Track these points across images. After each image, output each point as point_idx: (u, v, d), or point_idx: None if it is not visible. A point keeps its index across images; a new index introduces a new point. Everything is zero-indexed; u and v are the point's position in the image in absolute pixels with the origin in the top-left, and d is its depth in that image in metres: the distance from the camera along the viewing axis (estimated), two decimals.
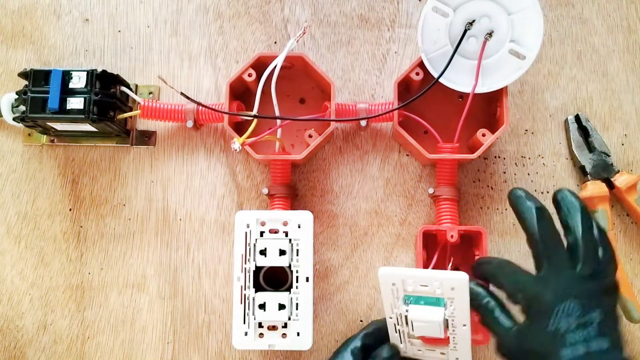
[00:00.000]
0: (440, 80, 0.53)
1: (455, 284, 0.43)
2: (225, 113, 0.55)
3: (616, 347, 0.40)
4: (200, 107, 0.57)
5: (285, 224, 0.52)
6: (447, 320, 0.45)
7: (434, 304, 0.44)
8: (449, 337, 0.46)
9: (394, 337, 0.48)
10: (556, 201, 0.46)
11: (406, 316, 0.45)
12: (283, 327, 0.52)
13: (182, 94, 0.52)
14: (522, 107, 0.61)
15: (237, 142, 0.52)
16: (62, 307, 0.59)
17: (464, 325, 0.45)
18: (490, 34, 0.52)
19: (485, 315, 0.45)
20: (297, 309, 0.51)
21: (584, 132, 0.59)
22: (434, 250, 0.56)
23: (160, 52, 0.62)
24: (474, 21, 0.52)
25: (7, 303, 0.59)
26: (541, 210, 0.45)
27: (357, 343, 0.49)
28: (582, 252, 0.43)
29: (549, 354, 0.40)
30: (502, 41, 0.53)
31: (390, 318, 0.47)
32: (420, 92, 0.52)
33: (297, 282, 0.51)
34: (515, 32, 0.52)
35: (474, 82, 0.53)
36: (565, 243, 0.44)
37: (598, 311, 0.41)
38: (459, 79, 0.54)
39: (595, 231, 0.44)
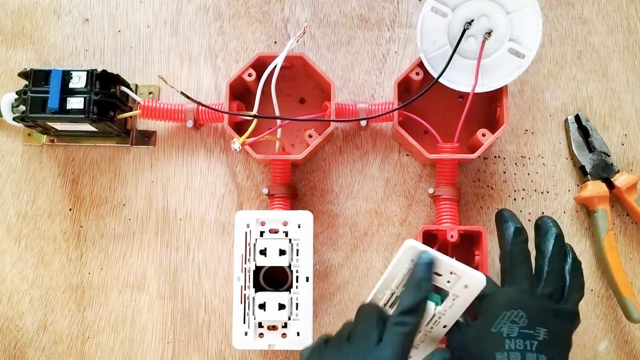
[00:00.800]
0: (440, 80, 0.53)
1: (471, 282, 0.42)
2: (225, 113, 0.55)
3: None
4: (201, 107, 0.57)
5: (285, 224, 0.52)
6: (435, 315, 0.44)
7: (430, 297, 0.43)
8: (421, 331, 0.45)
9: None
10: (536, 226, 0.47)
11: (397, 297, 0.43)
12: (283, 327, 0.52)
13: (182, 93, 0.52)
14: (522, 107, 0.61)
15: (237, 142, 0.52)
16: (62, 307, 0.59)
17: (445, 326, 0.45)
18: (489, 33, 0.52)
19: None
20: (297, 309, 0.51)
21: (584, 132, 0.59)
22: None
23: (160, 52, 0.62)
24: (472, 21, 0.52)
25: (7, 303, 0.59)
26: (519, 230, 0.46)
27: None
28: (546, 273, 0.44)
29: (484, 354, 0.41)
30: (501, 40, 0.53)
31: (381, 296, 0.44)
32: (420, 93, 0.52)
33: (297, 282, 0.51)
34: (514, 31, 0.52)
35: (474, 81, 0.53)
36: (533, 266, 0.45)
37: (545, 330, 0.41)
38: (459, 79, 0.54)
39: (569, 260, 0.45)
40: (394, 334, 0.39)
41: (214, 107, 0.56)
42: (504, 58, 0.53)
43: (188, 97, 0.52)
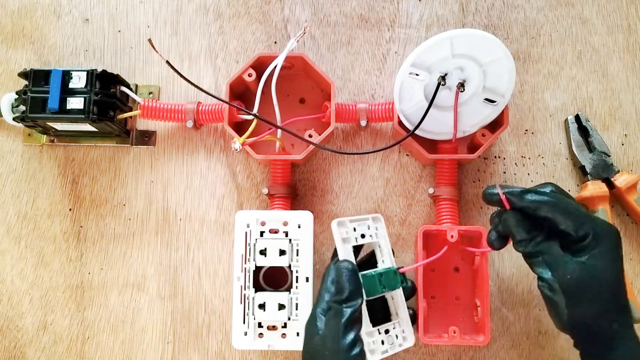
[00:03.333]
0: (416, 132, 0.53)
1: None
2: (225, 102, 0.55)
3: None
4: (201, 107, 0.57)
5: (285, 224, 0.52)
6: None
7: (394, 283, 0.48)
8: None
9: None
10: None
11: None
12: (283, 327, 0.52)
13: (167, 63, 0.51)
14: (522, 107, 0.61)
15: (237, 142, 0.52)
16: (62, 307, 0.59)
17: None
18: (462, 84, 0.52)
19: (545, 244, 0.43)
20: (297, 309, 0.51)
21: (584, 132, 0.59)
22: (434, 250, 0.56)
23: (160, 52, 0.62)
24: (446, 74, 0.51)
25: (7, 303, 0.59)
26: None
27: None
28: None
29: (619, 277, 0.42)
30: (475, 89, 0.53)
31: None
32: (396, 142, 0.52)
33: (297, 282, 0.51)
34: (488, 80, 0.52)
35: (453, 130, 0.54)
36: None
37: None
38: (434, 128, 0.55)
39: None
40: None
41: (212, 104, 0.56)
42: (478, 105, 0.53)
43: (175, 70, 0.50)
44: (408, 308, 0.50)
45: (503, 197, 0.44)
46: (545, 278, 0.43)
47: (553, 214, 0.43)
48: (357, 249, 0.49)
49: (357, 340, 0.42)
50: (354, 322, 0.43)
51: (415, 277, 0.53)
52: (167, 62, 0.51)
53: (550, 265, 0.43)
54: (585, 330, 0.42)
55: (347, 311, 0.43)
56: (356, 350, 0.42)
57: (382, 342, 0.47)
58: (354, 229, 0.48)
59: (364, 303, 0.45)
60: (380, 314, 0.49)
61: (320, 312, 0.44)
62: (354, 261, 0.46)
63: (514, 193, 0.44)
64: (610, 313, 0.42)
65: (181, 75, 0.51)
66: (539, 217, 0.43)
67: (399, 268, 0.48)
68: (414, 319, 0.51)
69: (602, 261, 0.42)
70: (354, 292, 0.44)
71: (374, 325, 0.47)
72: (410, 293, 0.51)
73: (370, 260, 0.51)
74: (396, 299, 0.49)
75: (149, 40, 0.51)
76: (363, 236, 0.48)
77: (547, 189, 0.44)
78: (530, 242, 0.43)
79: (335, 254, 0.47)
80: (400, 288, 0.49)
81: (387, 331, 0.47)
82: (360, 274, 0.45)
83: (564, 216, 0.42)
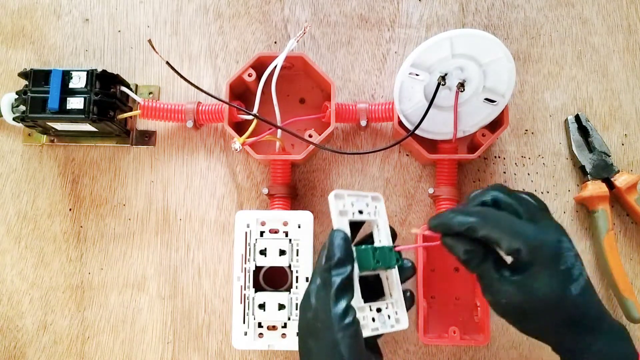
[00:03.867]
0: (416, 132, 0.53)
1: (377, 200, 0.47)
2: (225, 102, 0.55)
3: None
4: (201, 107, 0.57)
5: (285, 224, 0.52)
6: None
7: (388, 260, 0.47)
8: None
9: None
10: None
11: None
12: (283, 327, 0.52)
13: (167, 63, 0.52)
14: (522, 107, 0.61)
15: (237, 142, 0.52)
16: (62, 307, 0.59)
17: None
18: (462, 84, 0.52)
19: (483, 264, 0.42)
20: (297, 309, 0.51)
21: (584, 132, 0.59)
22: (434, 250, 0.56)
23: (160, 52, 0.62)
24: (446, 74, 0.51)
25: (7, 303, 0.59)
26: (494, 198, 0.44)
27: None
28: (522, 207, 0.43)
29: (561, 294, 0.39)
30: (475, 89, 0.53)
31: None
32: (396, 141, 0.52)
33: (297, 282, 0.51)
34: (488, 80, 0.52)
35: (454, 130, 0.54)
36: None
37: (565, 238, 0.41)
38: (434, 129, 0.55)
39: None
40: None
41: (211, 104, 0.56)
42: (478, 105, 0.53)
43: (175, 71, 0.50)
44: (405, 290, 0.49)
45: (422, 235, 0.44)
46: (488, 301, 0.42)
47: (482, 233, 0.41)
48: (355, 229, 0.48)
49: (349, 308, 0.41)
50: (344, 290, 0.41)
51: (415, 258, 0.52)
52: (167, 62, 0.51)
53: (487, 289, 0.42)
54: (549, 343, 0.42)
55: (337, 280, 0.41)
56: (349, 319, 0.40)
57: (373, 320, 0.45)
58: (352, 204, 0.46)
59: (357, 275, 0.43)
60: (375, 295, 0.48)
61: (313, 288, 0.42)
62: (348, 233, 0.44)
63: (442, 222, 0.42)
64: (563, 329, 0.40)
65: (181, 76, 0.51)
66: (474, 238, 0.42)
67: (395, 246, 0.47)
68: (411, 301, 0.49)
69: (539, 280, 0.40)
70: (343, 259, 0.42)
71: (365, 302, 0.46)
72: (409, 273, 0.49)
73: (368, 242, 0.49)
74: (391, 279, 0.47)
75: (149, 41, 0.51)
76: (361, 212, 0.47)
77: (476, 208, 0.42)
78: (469, 263, 0.42)
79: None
80: (396, 270, 0.47)
81: (379, 310, 0.46)
82: (354, 247, 0.44)
83: (493, 234, 0.40)
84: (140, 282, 0.59)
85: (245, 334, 0.51)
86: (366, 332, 0.43)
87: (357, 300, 0.43)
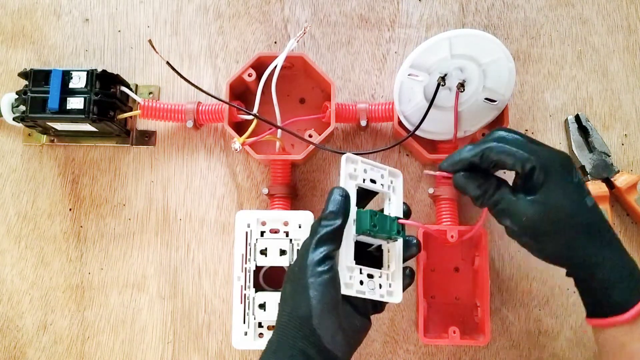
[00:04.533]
0: (417, 132, 0.53)
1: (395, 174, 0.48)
2: (225, 102, 0.55)
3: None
4: (201, 107, 0.57)
5: (285, 224, 0.52)
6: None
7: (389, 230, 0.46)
8: None
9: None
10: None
11: None
12: None
13: (168, 63, 0.52)
14: (522, 107, 0.61)
15: (237, 142, 0.52)
16: (62, 307, 0.59)
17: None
18: (462, 84, 0.52)
19: (498, 191, 0.43)
20: None
21: (584, 132, 0.59)
22: (434, 250, 0.56)
23: (160, 52, 0.62)
24: (446, 75, 0.51)
25: (7, 303, 0.59)
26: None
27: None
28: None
29: (577, 205, 0.41)
30: (475, 89, 0.53)
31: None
32: (398, 142, 0.53)
33: None
34: (488, 80, 0.52)
35: (454, 131, 0.54)
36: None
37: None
38: (435, 129, 0.55)
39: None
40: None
41: (211, 103, 0.55)
42: (478, 105, 0.53)
43: (175, 71, 0.51)
44: (405, 267, 0.48)
45: (438, 174, 0.45)
46: (507, 226, 0.43)
47: (495, 158, 0.42)
48: (367, 197, 0.48)
49: (327, 258, 0.41)
50: (327, 240, 0.42)
51: (415, 258, 0.51)
52: (167, 62, 0.51)
53: (506, 212, 0.43)
54: (565, 261, 0.43)
55: (322, 230, 0.42)
56: (324, 267, 0.41)
57: (361, 283, 0.44)
58: (365, 171, 0.46)
59: (353, 234, 0.44)
60: (377, 267, 0.47)
61: (305, 239, 0.43)
62: (352, 194, 0.44)
63: (453, 159, 0.44)
64: (580, 241, 0.41)
65: (181, 76, 0.51)
66: (486, 167, 0.43)
67: (398, 218, 0.46)
68: (410, 279, 0.48)
69: (554, 193, 0.41)
70: (334, 212, 0.42)
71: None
72: (413, 251, 0.48)
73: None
74: (392, 251, 0.47)
75: (149, 41, 0.51)
76: (374, 182, 0.47)
77: (487, 138, 0.43)
78: (484, 196, 0.43)
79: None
80: (400, 245, 0.47)
81: (371, 276, 0.45)
82: (357, 208, 0.44)
83: (505, 157, 0.42)
84: (140, 282, 0.59)
85: (245, 334, 0.51)
86: (348, 291, 0.43)
87: (349, 260, 0.44)
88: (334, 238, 0.42)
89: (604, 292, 0.41)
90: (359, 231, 0.44)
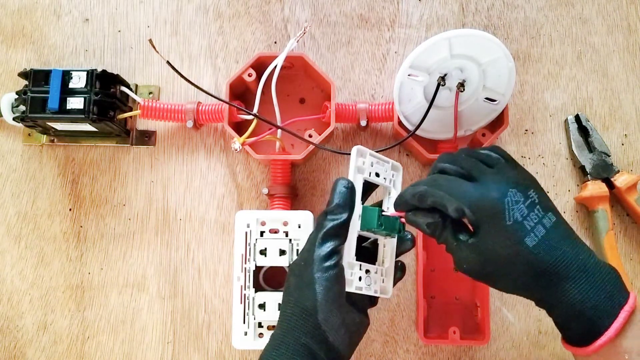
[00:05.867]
0: (417, 132, 0.53)
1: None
2: (225, 102, 0.55)
3: (560, 217, 0.40)
4: (201, 107, 0.57)
5: (285, 224, 0.52)
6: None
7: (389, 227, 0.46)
8: None
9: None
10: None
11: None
12: None
13: (168, 63, 0.52)
14: (522, 107, 0.61)
15: (237, 142, 0.52)
16: (62, 307, 0.59)
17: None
18: (462, 84, 0.52)
19: (443, 232, 0.41)
20: None
21: (584, 132, 0.59)
22: (434, 250, 0.56)
23: (160, 52, 0.62)
24: (446, 75, 0.51)
25: (7, 303, 0.59)
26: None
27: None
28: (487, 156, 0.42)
29: (514, 249, 0.38)
30: (475, 89, 0.53)
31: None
32: (398, 141, 0.53)
33: None
34: (488, 80, 0.52)
35: (454, 130, 0.54)
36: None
37: (533, 190, 0.40)
38: (434, 128, 0.55)
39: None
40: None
41: (211, 103, 0.55)
42: (478, 104, 0.54)
43: (175, 70, 0.51)
44: (397, 261, 0.48)
45: (392, 215, 0.44)
46: (456, 269, 0.42)
47: (430, 202, 0.40)
48: (368, 189, 0.48)
49: (334, 252, 0.41)
50: (333, 235, 0.41)
51: (415, 258, 0.52)
52: (168, 62, 0.51)
53: (452, 257, 0.41)
54: (525, 297, 0.41)
55: (328, 224, 0.41)
56: (331, 262, 0.40)
57: (360, 279, 0.44)
58: (372, 164, 0.47)
59: (357, 229, 0.44)
60: (370, 261, 0.47)
61: (311, 232, 0.43)
62: (359, 187, 0.44)
63: (400, 199, 0.43)
64: (526, 284, 0.39)
65: (181, 75, 0.51)
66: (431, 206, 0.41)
67: (401, 217, 0.45)
68: (401, 272, 0.48)
69: (488, 239, 0.39)
70: (340, 206, 0.42)
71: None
72: (407, 246, 0.48)
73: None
74: (388, 247, 0.47)
75: (150, 40, 0.51)
76: (378, 175, 0.47)
77: (426, 178, 0.42)
78: (434, 235, 0.42)
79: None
80: (395, 241, 0.47)
81: (368, 271, 0.45)
82: (364, 205, 0.44)
83: (439, 198, 0.40)
84: (140, 282, 0.59)
85: (245, 334, 0.51)
86: (349, 287, 0.43)
87: (350, 256, 0.44)
88: (340, 232, 0.42)
89: (563, 326, 0.40)
90: (364, 228, 0.44)
